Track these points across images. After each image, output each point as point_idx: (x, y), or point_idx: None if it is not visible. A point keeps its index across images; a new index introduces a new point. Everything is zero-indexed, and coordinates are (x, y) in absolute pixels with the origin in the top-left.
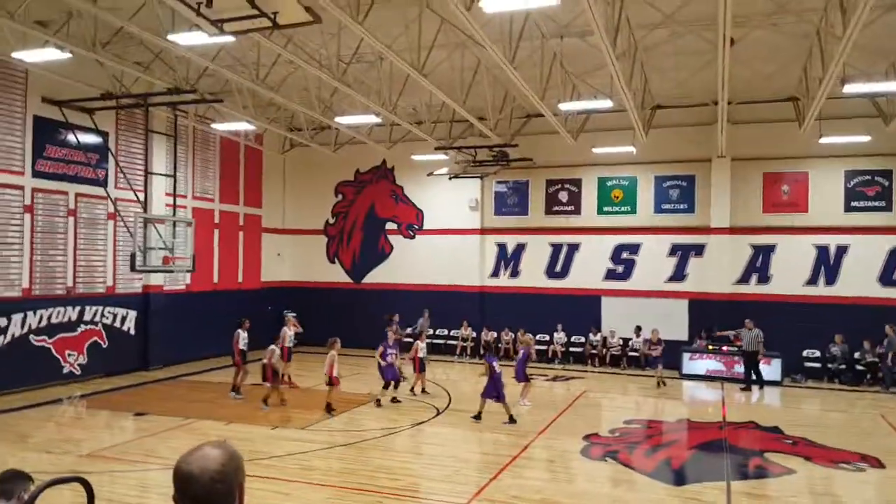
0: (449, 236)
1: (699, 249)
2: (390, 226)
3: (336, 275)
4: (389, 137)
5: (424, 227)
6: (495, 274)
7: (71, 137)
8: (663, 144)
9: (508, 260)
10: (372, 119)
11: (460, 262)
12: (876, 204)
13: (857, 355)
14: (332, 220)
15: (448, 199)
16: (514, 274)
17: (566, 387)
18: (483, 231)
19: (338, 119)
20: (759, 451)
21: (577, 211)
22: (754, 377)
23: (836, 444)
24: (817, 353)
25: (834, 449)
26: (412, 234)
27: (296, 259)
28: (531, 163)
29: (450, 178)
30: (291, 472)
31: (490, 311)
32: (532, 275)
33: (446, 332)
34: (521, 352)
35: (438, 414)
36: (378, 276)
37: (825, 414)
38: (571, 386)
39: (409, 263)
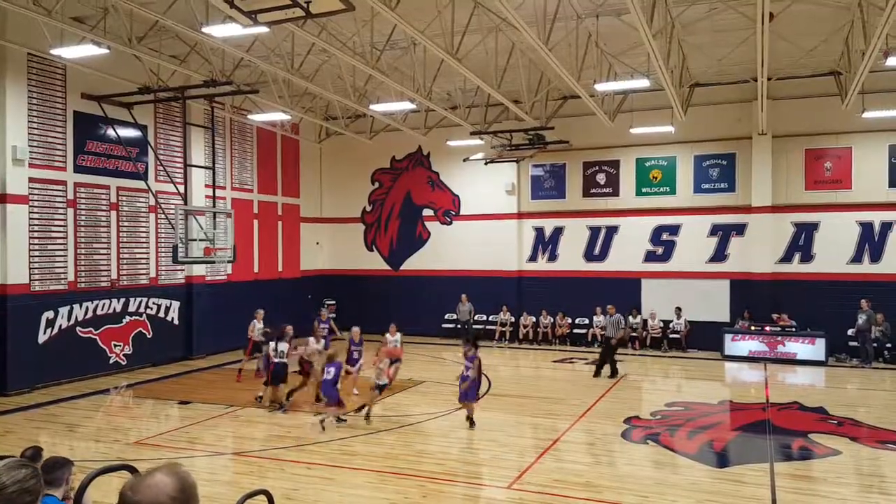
0: (486, 221)
1: (740, 229)
2: (427, 212)
3: (374, 262)
4: (424, 124)
5: (461, 213)
6: (533, 258)
7: (111, 132)
8: (702, 123)
9: (546, 244)
10: (406, 105)
11: (498, 247)
12: None
13: None
14: (369, 208)
15: (484, 184)
16: (552, 258)
17: (605, 370)
18: (520, 215)
19: (372, 107)
20: (803, 431)
21: (616, 193)
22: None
23: (882, 423)
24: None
25: (880, 429)
26: (449, 220)
27: (334, 247)
28: (568, 145)
29: (486, 164)
30: (334, 458)
31: (528, 295)
32: (570, 258)
33: (485, 317)
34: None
35: (478, 399)
36: (416, 262)
37: (870, 393)
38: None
39: (447, 249)
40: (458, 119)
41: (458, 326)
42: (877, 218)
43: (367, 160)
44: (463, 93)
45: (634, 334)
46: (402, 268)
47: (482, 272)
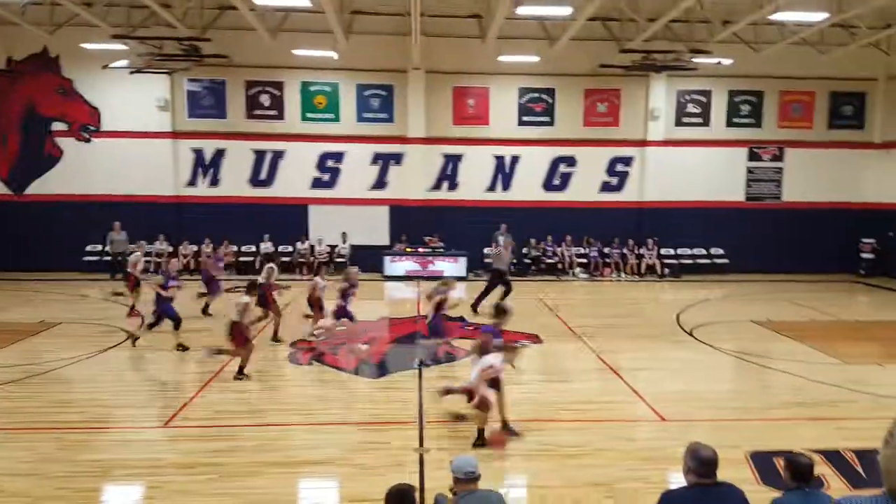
0: (135, 140)
1: (398, 158)
2: (58, 126)
3: None
4: (51, 20)
5: (103, 129)
6: (192, 182)
7: None
8: (364, 52)
9: (207, 167)
10: None
11: (151, 169)
12: (542, 119)
13: (524, 251)
14: None
15: (131, 97)
16: (215, 182)
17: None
18: (176, 135)
19: None
20: (447, 339)
21: (281, 116)
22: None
23: (508, 327)
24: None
25: (507, 331)
26: (88, 136)
27: None
28: (228, 60)
29: (131, 73)
30: None
31: (189, 223)
32: (234, 183)
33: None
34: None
35: (129, 338)
36: (45, 186)
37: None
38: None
39: (89, 171)
40: (95, 18)
41: (113, 259)
42: (508, 152)
43: None
44: None
45: (302, 259)
46: (28, 192)
47: (134, 197)
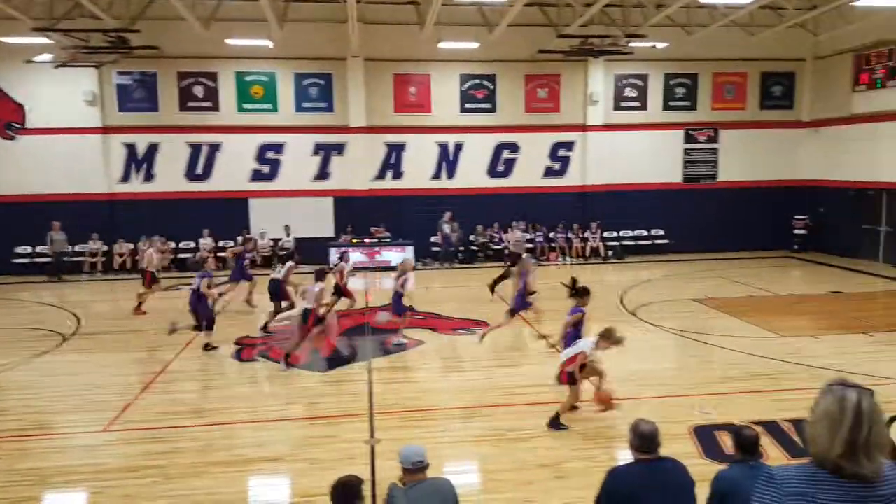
0: (63, 136)
1: (340, 148)
2: None
3: None
4: None
5: (29, 126)
6: (125, 179)
7: None
8: (301, 40)
9: (140, 162)
10: None
11: (81, 166)
12: (484, 106)
13: (471, 237)
14: None
15: (58, 92)
16: (149, 178)
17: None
18: (106, 130)
19: None
20: (396, 329)
21: (216, 108)
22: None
23: (457, 314)
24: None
25: (456, 318)
26: (13, 134)
27: None
28: (159, 52)
29: (56, 67)
30: None
31: (123, 220)
32: (170, 178)
33: (71, 248)
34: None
35: (65, 341)
36: None
37: (448, 290)
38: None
39: (15, 170)
40: (14, 11)
41: (55, 259)
42: (451, 140)
43: None
44: None
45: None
46: None
47: (64, 196)
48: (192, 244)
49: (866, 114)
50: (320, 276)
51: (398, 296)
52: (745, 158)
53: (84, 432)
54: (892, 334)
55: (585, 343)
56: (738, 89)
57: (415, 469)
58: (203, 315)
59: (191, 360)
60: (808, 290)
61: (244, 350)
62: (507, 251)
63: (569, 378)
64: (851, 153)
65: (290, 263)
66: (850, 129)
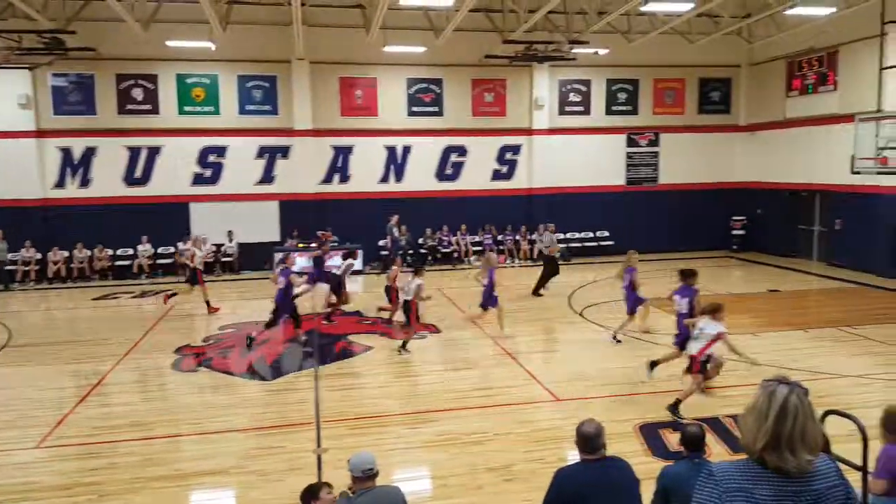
0: None
1: (285, 151)
2: None
3: None
4: None
5: None
6: (61, 184)
7: None
8: (244, 43)
9: (76, 167)
10: None
11: (14, 171)
12: (431, 109)
13: (420, 241)
14: None
15: None
16: (85, 183)
17: (157, 301)
18: (40, 133)
19: None
20: (344, 334)
21: (156, 110)
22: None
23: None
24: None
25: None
26: None
27: None
28: (95, 53)
29: None
30: None
31: (57, 227)
32: (107, 183)
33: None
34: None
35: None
36: None
37: None
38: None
39: None
40: None
41: None
42: (399, 143)
43: None
44: None
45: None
46: None
47: None
48: (130, 251)
49: (799, 118)
50: (418, 271)
51: (489, 287)
52: (685, 161)
53: (16, 449)
54: (827, 330)
55: (713, 327)
56: (677, 94)
57: (364, 477)
58: (287, 310)
59: (128, 371)
60: (747, 288)
61: (185, 360)
62: (539, 252)
63: (701, 367)
64: (786, 156)
65: (346, 262)
66: (785, 133)
